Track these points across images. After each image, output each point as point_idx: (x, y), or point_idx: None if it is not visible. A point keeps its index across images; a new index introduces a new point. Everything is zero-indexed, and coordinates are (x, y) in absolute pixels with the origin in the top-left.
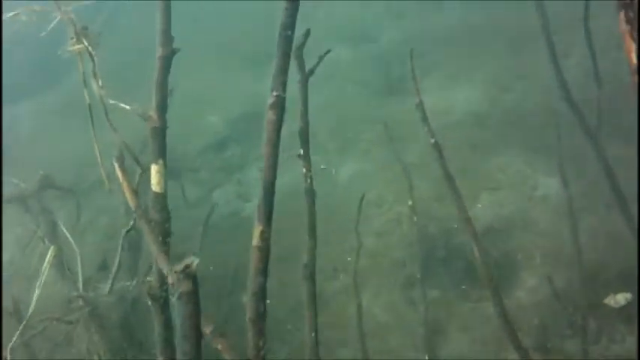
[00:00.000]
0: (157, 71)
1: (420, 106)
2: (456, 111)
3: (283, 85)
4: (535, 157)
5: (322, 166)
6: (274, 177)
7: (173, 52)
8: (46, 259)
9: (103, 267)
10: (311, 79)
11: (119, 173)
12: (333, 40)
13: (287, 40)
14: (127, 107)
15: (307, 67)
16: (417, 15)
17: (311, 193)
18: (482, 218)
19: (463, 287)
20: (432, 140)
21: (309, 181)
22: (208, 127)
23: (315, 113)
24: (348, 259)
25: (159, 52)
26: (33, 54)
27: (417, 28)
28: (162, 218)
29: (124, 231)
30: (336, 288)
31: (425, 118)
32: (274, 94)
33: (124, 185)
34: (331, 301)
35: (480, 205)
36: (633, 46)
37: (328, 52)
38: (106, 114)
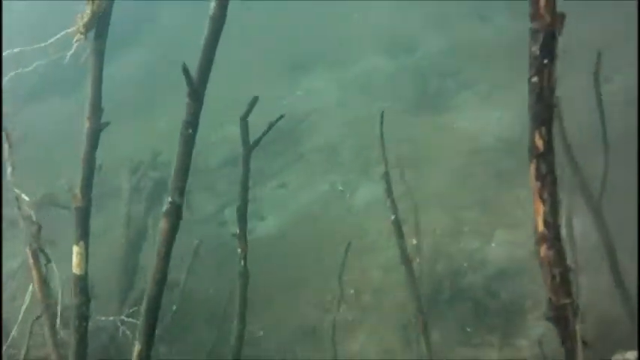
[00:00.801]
0: (84, 146)
1: (386, 176)
2: (487, 135)
3: (180, 191)
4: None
5: (340, 188)
6: (160, 294)
7: (102, 126)
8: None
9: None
10: (343, 91)
11: (31, 264)
12: (368, 50)
13: (188, 139)
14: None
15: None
16: (458, 26)
17: (244, 276)
18: (494, 259)
19: (468, 330)
20: (392, 217)
21: (242, 262)
22: (230, 138)
23: (342, 127)
24: (352, 291)
25: (86, 124)
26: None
27: (458, 40)
28: (80, 301)
29: None
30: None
31: (389, 191)
32: (169, 200)
33: (34, 276)
34: (324, 337)
35: (493, 244)
36: (542, 209)
37: (281, 117)
38: None
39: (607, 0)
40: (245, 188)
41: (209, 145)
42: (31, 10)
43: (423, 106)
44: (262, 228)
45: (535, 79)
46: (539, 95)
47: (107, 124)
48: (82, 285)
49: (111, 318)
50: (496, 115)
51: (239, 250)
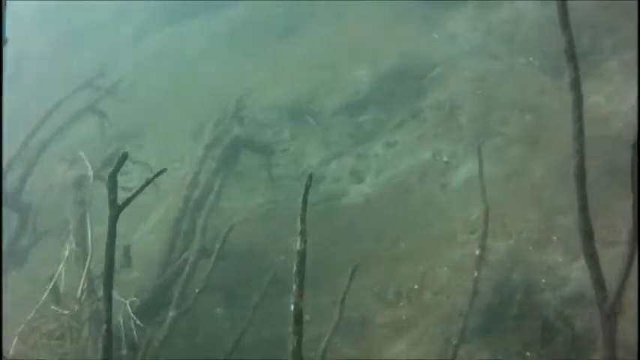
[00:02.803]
0: None
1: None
2: (617, 119)
3: None
4: None
5: (445, 159)
6: None
7: None
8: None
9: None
10: (483, 38)
11: None
12: None
13: None
14: None
15: None
16: None
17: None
18: (576, 280)
19: (527, 354)
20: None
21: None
22: (352, 83)
23: (470, 83)
24: (415, 286)
25: None
26: None
27: None
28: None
29: None
30: (384, 319)
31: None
32: None
33: None
34: (372, 333)
35: (580, 263)
36: None
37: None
38: None
39: None
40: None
41: (329, 87)
42: None
43: (564, 67)
44: (354, 193)
45: None
46: None
47: None
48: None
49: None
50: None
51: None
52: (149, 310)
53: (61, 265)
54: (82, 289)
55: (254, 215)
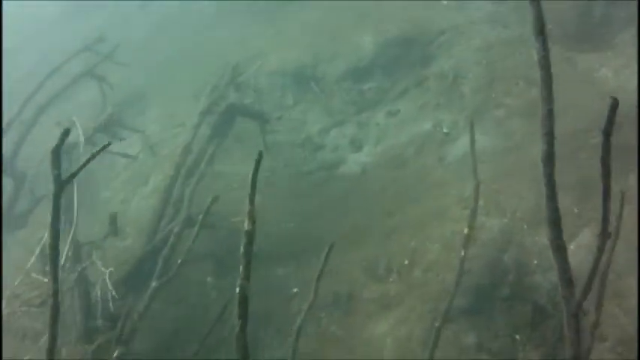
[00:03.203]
0: None
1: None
2: (625, 96)
3: None
4: None
5: (445, 130)
6: None
7: None
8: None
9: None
10: (494, 5)
11: None
12: None
13: None
14: None
15: None
16: None
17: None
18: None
19: (516, 337)
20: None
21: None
22: (358, 49)
23: (477, 52)
24: (405, 262)
25: None
26: None
27: None
28: None
29: None
30: (372, 294)
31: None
32: None
33: None
34: (359, 309)
35: (572, 246)
36: None
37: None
38: None
39: None
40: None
41: (334, 53)
42: None
43: (576, 37)
44: (352, 163)
45: None
46: None
47: None
48: None
49: None
50: None
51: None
52: (134, 279)
53: (47, 233)
54: (65, 257)
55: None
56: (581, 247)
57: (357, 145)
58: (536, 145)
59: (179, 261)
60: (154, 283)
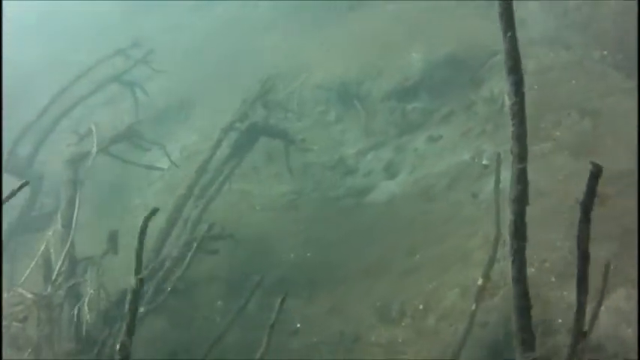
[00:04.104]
0: None
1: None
2: None
3: None
4: None
5: (484, 162)
6: None
7: None
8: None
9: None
10: (556, 22)
11: None
12: None
13: None
14: None
15: None
16: None
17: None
18: (597, 325)
19: None
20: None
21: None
22: (405, 66)
23: (530, 76)
24: (420, 307)
25: None
26: None
27: None
28: None
29: None
30: (380, 338)
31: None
32: None
33: None
34: (363, 352)
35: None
36: None
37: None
38: None
39: None
40: None
41: (381, 70)
42: None
43: (625, 62)
44: (382, 190)
45: None
46: None
47: None
48: None
49: None
50: None
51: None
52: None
53: (42, 246)
54: (57, 273)
55: (274, 204)
56: (611, 308)
57: (391, 172)
58: (580, 186)
59: (168, 289)
60: (141, 309)
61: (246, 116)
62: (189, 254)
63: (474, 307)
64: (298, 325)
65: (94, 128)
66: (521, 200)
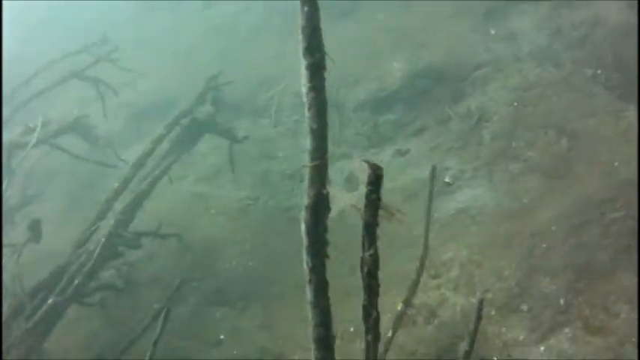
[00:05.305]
0: None
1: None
2: None
3: None
4: None
5: (447, 180)
6: None
7: None
8: None
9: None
10: (545, 39)
11: None
12: None
13: None
14: None
15: None
16: None
17: None
18: None
19: None
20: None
21: None
22: (384, 76)
23: (511, 92)
24: (351, 329)
25: None
26: None
27: None
28: None
29: None
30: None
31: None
32: None
33: None
34: None
35: (542, 349)
36: None
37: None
38: None
39: None
40: None
41: (359, 78)
42: None
43: (619, 82)
44: (336, 203)
45: None
46: None
47: None
48: None
49: None
50: None
51: None
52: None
53: None
54: None
55: (229, 209)
56: (552, 350)
57: (352, 185)
58: (547, 211)
59: (76, 282)
60: (49, 300)
61: (191, 112)
62: (97, 249)
63: (390, 334)
64: (222, 337)
65: (40, 121)
66: (316, 207)
